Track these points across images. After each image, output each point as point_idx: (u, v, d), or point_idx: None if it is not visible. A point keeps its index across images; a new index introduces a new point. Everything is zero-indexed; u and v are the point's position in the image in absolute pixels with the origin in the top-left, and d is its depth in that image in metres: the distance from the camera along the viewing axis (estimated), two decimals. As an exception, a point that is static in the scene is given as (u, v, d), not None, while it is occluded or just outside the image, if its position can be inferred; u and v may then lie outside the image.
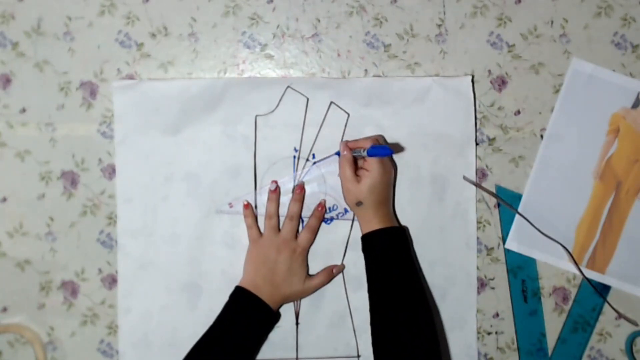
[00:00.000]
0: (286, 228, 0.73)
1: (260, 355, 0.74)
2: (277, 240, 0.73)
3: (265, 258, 0.72)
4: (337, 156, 0.75)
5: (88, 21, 0.75)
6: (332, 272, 0.75)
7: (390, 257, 0.69)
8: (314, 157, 0.76)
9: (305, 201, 0.75)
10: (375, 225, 0.70)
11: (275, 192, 0.74)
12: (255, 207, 0.75)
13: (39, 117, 0.75)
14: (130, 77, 0.75)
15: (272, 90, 0.75)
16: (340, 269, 0.75)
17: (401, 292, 0.67)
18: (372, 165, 0.69)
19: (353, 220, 0.76)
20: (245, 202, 0.74)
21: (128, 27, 0.76)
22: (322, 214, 0.75)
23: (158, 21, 0.76)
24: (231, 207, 0.75)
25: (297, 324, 0.76)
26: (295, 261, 0.72)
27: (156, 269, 0.75)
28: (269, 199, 0.74)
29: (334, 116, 0.76)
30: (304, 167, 0.76)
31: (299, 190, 0.74)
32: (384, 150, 0.68)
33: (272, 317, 0.72)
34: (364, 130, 0.76)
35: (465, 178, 0.76)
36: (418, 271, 0.73)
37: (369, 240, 0.70)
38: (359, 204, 0.70)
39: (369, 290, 0.69)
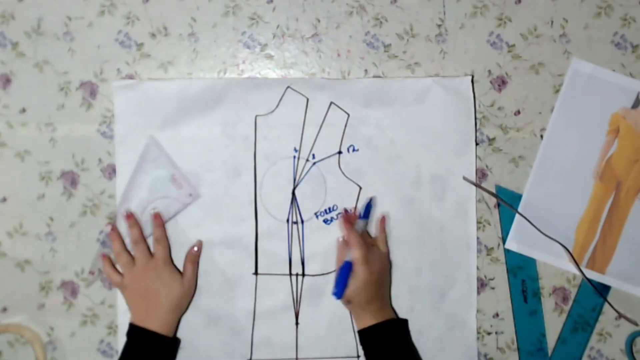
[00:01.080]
0: (137, 255, 0.72)
1: (260, 356, 0.74)
2: (136, 270, 0.71)
3: (136, 291, 0.71)
4: (337, 156, 0.75)
5: (88, 21, 0.75)
6: (193, 254, 0.73)
7: (388, 353, 0.68)
8: (313, 157, 0.76)
9: (305, 202, 0.75)
10: (368, 321, 0.70)
11: (131, 218, 0.73)
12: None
13: (39, 117, 0.75)
14: (130, 77, 0.75)
15: (272, 90, 0.75)
16: (198, 245, 0.74)
17: None
18: (356, 267, 0.69)
19: (353, 220, 0.76)
20: (103, 254, 0.74)
21: (128, 27, 0.76)
22: (161, 222, 0.73)
23: (158, 21, 0.76)
24: (92, 275, 0.75)
25: (296, 324, 0.76)
26: (162, 274, 0.71)
27: (156, 269, 0.75)
28: (128, 225, 0.73)
29: (334, 116, 0.76)
30: (303, 168, 0.76)
31: (130, 216, 0.73)
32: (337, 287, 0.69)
33: (169, 345, 0.70)
34: (363, 130, 0.75)
35: (465, 178, 0.76)
36: None
37: (365, 336, 0.70)
38: (347, 302, 0.70)
39: None
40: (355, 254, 0.69)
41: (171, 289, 0.70)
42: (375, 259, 0.71)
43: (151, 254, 0.72)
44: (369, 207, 0.74)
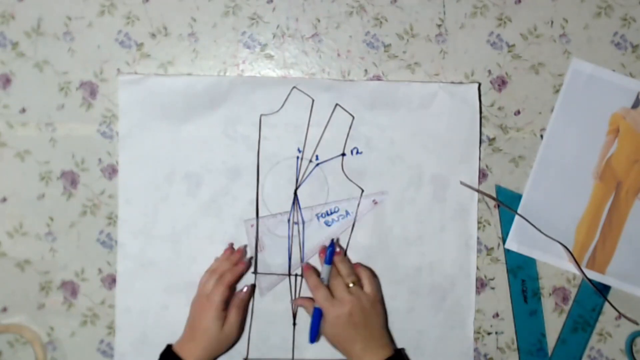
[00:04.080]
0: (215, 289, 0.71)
1: (256, 355, 0.74)
2: (198, 297, 0.72)
3: (191, 315, 0.72)
4: (340, 158, 0.75)
5: (88, 21, 0.75)
6: (239, 298, 0.73)
7: None
8: (317, 158, 0.76)
9: (307, 203, 0.75)
10: None
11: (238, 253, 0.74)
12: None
13: (39, 117, 0.75)
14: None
15: (277, 90, 0.75)
16: (247, 290, 0.73)
17: None
18: (323, 309, 0.70)
19: (354, 223, 0.76)
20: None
21: (128, 27, 0.76)
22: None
23: (158, 21, 0.76)
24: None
25: (294, 324, 0.76)
26: (210, 313, 0.70)
27: (156, 268, 0.75)
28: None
29: (338, 118, 0.76)
30: (306, 168, 0.76)
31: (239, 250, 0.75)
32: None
33: None
34: (368, 133, 0.75)
35: (462, 183, 0.76)
36: None
37: None
38: (333, 346, 0.71)
39: None
40: (316, 297, 0.71)
41: (211, 330, 0.69)
42: (346, 299, 0.69)
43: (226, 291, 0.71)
44: (331, 252, 0.73)
